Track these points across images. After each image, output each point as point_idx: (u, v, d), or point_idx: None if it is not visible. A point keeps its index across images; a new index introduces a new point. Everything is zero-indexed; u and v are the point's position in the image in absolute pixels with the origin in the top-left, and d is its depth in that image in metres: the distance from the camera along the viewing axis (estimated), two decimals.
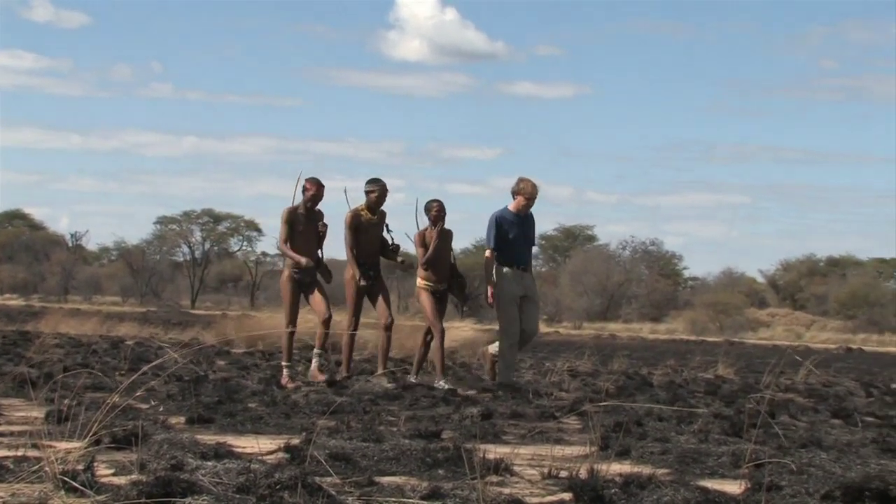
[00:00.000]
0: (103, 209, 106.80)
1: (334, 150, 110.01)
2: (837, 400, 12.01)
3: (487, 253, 12.07)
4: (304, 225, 11.55)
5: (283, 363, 11.64)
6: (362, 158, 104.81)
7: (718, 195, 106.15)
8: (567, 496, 5.05)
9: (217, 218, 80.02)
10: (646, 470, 5.78)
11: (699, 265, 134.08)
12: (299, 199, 11.60)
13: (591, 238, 73.24)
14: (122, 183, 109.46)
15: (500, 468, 5.71)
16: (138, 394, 8.49)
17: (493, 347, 12.36)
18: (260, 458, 5.91)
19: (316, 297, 11.67)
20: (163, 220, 80.00)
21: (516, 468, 5.89)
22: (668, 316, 58.62)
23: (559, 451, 6.80)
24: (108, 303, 64.53)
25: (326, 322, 11.62)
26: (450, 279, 12.16)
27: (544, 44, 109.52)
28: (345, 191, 12.05)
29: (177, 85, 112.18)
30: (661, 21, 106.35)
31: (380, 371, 11.84)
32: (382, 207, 12.00)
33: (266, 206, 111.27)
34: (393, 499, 4.91)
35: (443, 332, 11.94)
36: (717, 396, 11.61)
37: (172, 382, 10.67)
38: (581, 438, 7.46)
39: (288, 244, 11.46)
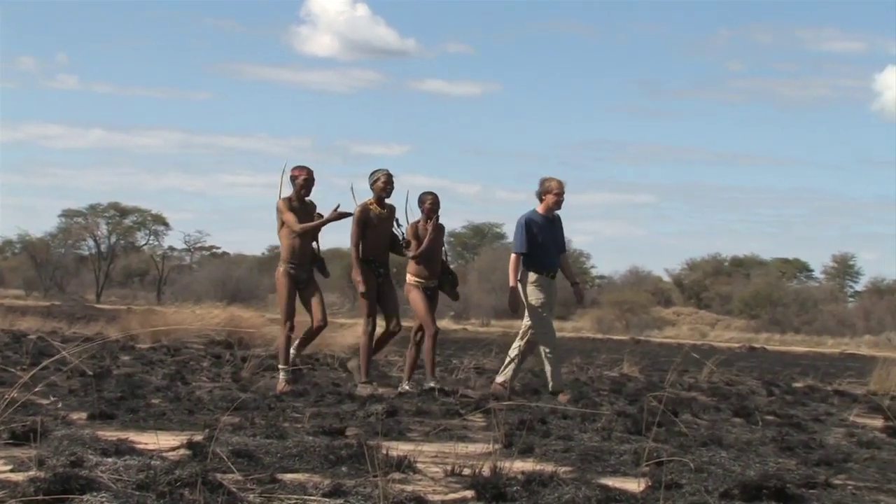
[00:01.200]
0: (7, 202, 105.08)
1: (242, 145, 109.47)
2: (739, 399, 12.15)
3: (513, 256, 11.30)
4: (299, 216, 10.73)
5: (280, 366, 10.79)
6: (271, 153, 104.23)
7: (626, 195, 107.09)
8: (469, 494, 5.07)
9: (123, 212, 79.13)
10: (548, 468, 5.82)
11: (606, 264, 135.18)
12: (287, 191, 10.81)
13: (500, 236, 73.48)
14: (27, 175, 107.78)
15: (404, 466, 5.71)
16: (38, 389, 8.36)
17: (500, 378, 11.46)
18: (161, 454, 5.85)
19: (314, 299, 10.89)
20: (68, 214, 79.01)
21: (420, 466, 5.89)
22: (574, 314, 59.01)
23: (463, 448, 6.82)
24: (10, 296, 63.49)
25: (319, 329, 10.98)
26: (441, 275, 11.60)
27: (455, 42, 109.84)
28: (351, 188, 11.31)
29: (83, 77, 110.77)
30: (571, 21, 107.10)
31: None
32: (389, 201, 11.21)
33: (173, 201, 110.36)
34: (294, 496, 4.89)
35: (437, 331, 11.26)
36: (621, 395, 11.70)
37: (75, 377, 10.54)
38: (485, 436, 7.47)
39: (291, 234, 10.68)
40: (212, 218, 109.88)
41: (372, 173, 11.19)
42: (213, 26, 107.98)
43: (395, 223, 11.33)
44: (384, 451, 5.70)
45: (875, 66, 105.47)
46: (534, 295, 11.28)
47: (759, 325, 57.57)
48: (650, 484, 5.23)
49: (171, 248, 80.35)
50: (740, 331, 55.67)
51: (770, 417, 10.01)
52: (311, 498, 4.86)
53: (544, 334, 11.29)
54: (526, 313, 11.46)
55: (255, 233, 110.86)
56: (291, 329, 10.71)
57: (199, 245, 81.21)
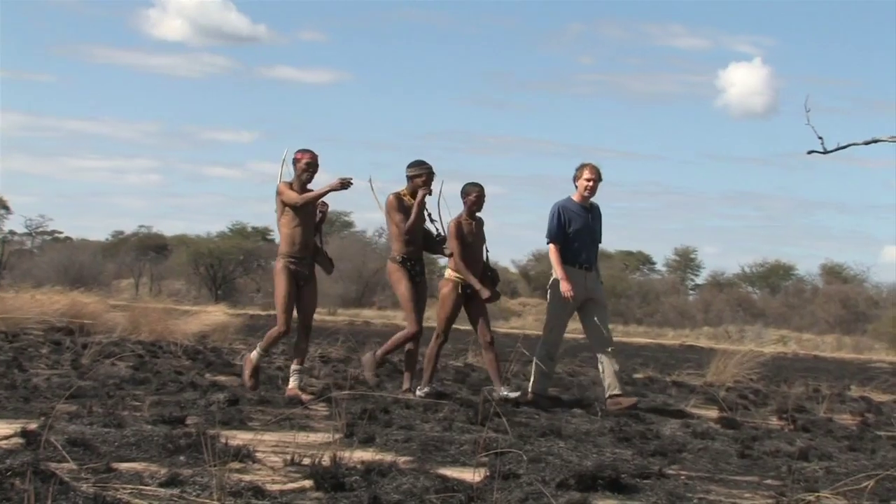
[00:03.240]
0: None
1: (88, 129, 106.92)
2: (581, 389, 12.33)
3: (550, 247, 10.42)
4: (302, 206, 9.78)
5: (257, 351, 9.89)
6: (118, 138, 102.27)
7: None
8: (308, 483, 5.05)
9: None
10: (388, 457, 5.84)
11: None
12: (288, 176, 9.87)
13: (348, 224, 73.37)
14: None
15: (242, 455, 5.67)
16: None
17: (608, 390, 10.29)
18: None
19: (308, 300, 9.92)
20: None
21: (259, 455, 5.86)
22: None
23: (304, 438, 6.80)
24: None
25: (300, 331, 9.91)
26: (483, 274, 10.53)
27: (307, 29, 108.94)
28: (370, 180, 10.47)
29: None
30: (424, 11, 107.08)
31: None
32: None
33: (15, 185, 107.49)
34: (130, 486, 4.82)
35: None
36: (465, 385, 11.78)
37: None
38: (328, 425, 7.46)
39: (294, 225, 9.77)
40: (56, 202, 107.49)
41: (412, 165, 10.21)
42: (58, 6, 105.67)
43: (428, 217, 10.37)
44: (223, 441, 5.65)
45: (719, 62, 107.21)
46: (558, 288, 10.30)
47: None
48: (488, 474, 5.27)
49: (12, 233, 78.47)
50: None
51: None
52: (147, 488, 4.80)
53: (549, 333, 10.41)
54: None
55: (100, 218, 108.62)
56: (287, 331, 9.73)
57: (40, 229, 79.49)
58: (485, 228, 10.54)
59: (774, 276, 68.51)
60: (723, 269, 72.98)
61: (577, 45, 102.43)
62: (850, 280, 62.45)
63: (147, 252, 67.64)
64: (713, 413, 10.47)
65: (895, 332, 46.11)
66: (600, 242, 10.76)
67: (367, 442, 6.66)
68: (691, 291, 70.74)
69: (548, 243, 10.46)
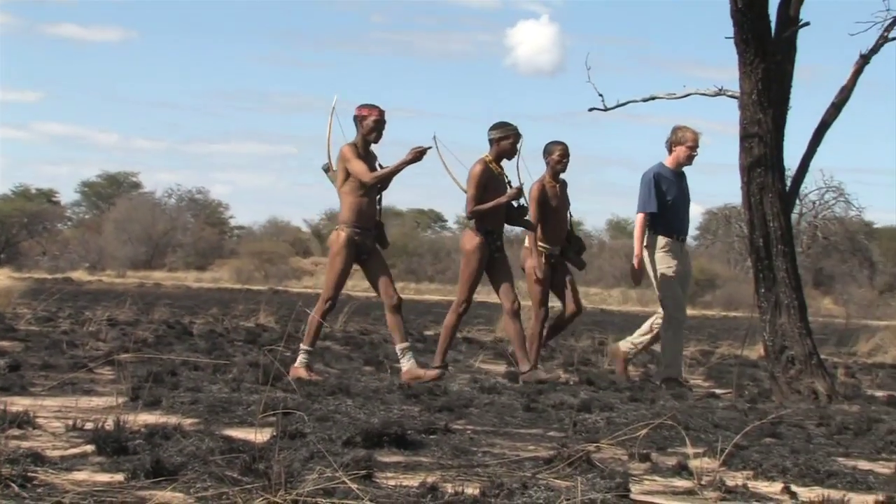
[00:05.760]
0: None
1: None
2: (372, 347, 12.41)
3: (639, 218, 9.68)
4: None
5: (304, 346, 8.99)
6: None
7: (268, 145, 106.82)
8: (90, 448, 4.96)
9: None
10: (173, 420, 5.78)
11: (246, 214, 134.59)
12: (339, 135, 9.01)
13: (136, 185, 71.97)
14: None
15: (22, 421, 5.54)
16: None
17: (625, 345, 10.26)
18: None
19: (382, 273, 9.03)
20: None
21: (41, 421, 5.74)
22: (213, 265, 58.57)
23: (87, 402, 6.69)
24: None
25: (397, 308, 9.03)
26: (566, 241, 9.87)
27: None
28: (434, 138, 9.22)
29: None
30: None
31: (523, 367, 9.30)
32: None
33: None
34: None
35: (547, 312, 9.78)
36: (256, 345, 11.72)
37: None
38: (113, 389, 7.34)
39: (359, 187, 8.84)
40: None
41: (496, 127, 9.33)
42: None
43: (507, 184, 9.35)
44: (1, 407, 5.51)
45: (507, 21, 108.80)
46: (664, 262, 9.71)
47: (395, 274, 58.56)
48: (275, 434, 5.27)
49: None
50: None
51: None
52: None
53: (674, 311, 9.75)
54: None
55: None
56: (333, 307, 9.01)
57: None
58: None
59: None
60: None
61: (369, 3, 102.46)
62: None
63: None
64: (502, 368, 10.65)
65: None
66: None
67: (152, 405, 6.57)
68: None
69: (643, 214, 9.66)
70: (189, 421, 6.00)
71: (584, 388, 8.85)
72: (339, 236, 8.86)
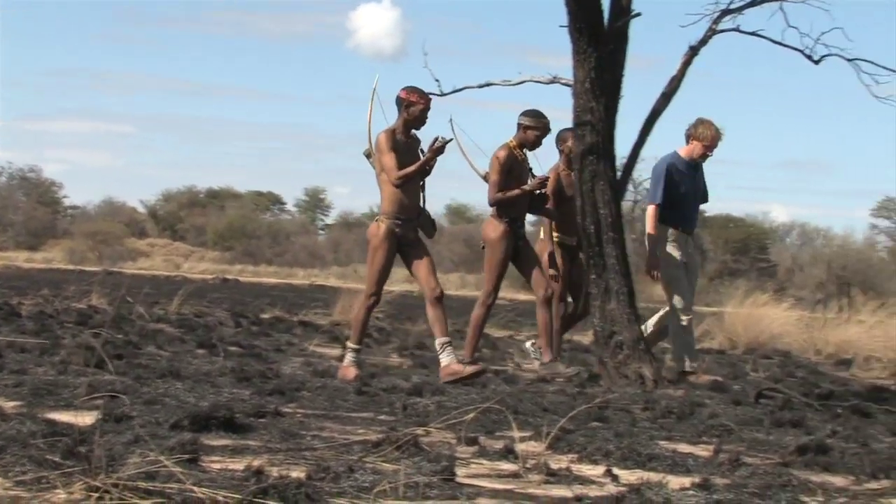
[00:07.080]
0: None
1: None
2: (206, 330, 12.29)
3: (651, 209, 9.53)
4: (400, 157, 8.40)
5: (350, 345, 8.60)
6: None
7: (105, 124, 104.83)
8: None
9: None
10: None
11: (81, 194, 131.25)
12: (379, 113, 8.69)
13: None
14: None
15: None
16: None
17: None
18: None
19: (423, 264, 8.52)
20: None
21: None
22: (46, 245, 57.35)
23: None
24: None
25: (439, 300, 8.46)
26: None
27: None
28: (450, 121, 9.17)
29: None
30: None
31: (545, 358, 9.32)
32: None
33: None
34: None
35: (566, 309, 9.62)
36: (87, 327, 11.51)
37: None
38: None
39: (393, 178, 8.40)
40: None
41: (525, 114, 9.14)
42: None
43: (530, 171, 9.22)
44: None
45: (350, 4, 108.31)
46: (671, 253, 9.61)
47: (233, 256, 58.09)
48: (101, 416, 5.19)
49: None
50: (214, 262, 55.97)
51: (234, 349, 10.20)
52: None
53: (680, 299, 9.57)
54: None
55: None
56: (377, 302, 8.63)
57: None
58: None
59: None
60: (352, 209, 74.16)
61: None
62: (474, 220, 64.55)
63: None
64: (337, 352, 10.65)
65: None
66: (706, 201, 10.03)
67: None
68: (321, 231, 71.48)
69: (654, 205, 9.50)
70: (11, 404, 5.88)
71: (417, 372, 8.90)
72: (378, 228, 8.47)
